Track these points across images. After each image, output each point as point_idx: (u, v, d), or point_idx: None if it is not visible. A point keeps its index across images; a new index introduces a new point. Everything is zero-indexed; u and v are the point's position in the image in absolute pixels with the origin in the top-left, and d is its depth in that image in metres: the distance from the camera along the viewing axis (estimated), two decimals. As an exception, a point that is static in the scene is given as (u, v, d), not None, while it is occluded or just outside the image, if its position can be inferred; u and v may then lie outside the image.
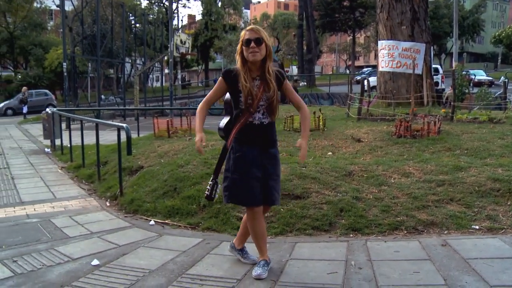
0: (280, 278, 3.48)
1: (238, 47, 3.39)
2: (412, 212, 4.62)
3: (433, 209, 4.68)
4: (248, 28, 3.39)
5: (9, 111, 31.78)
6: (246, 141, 3.41)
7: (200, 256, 4.04)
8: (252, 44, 3.29)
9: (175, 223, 5.09)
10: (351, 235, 4.37)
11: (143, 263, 3.91)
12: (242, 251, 3.85)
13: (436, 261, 3.62)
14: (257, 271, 3.52)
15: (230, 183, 3.43)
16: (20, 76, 41.69)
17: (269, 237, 4.47)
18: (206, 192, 3.59)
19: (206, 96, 3.53)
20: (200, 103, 3.56)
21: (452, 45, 27.86)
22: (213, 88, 3.50)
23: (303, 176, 5.55)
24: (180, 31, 48.19)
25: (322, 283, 3.35)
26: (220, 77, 3.46)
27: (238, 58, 3.40)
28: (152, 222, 5.19)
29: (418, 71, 12.77)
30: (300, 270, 3.61)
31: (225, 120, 3.53)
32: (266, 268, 3.55)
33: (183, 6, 60.74)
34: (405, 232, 4.35)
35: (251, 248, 4.05)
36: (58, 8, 31.30)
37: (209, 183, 3.58)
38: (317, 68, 66.70)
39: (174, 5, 50.29)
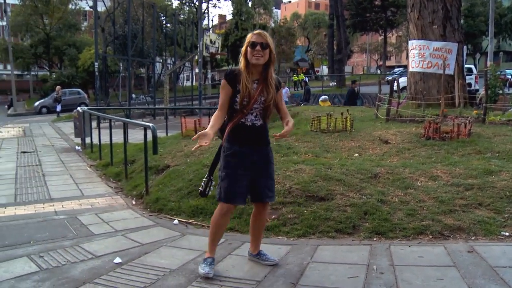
0: (300, 281, 3.44)
1: (243, 48, 3.44)
2: (438, 217, 4.51)
3: (461, 214, 4.55)
4: (255, 32, 3.45)
5: (44, 110, 32.71)
6: (236, 141, 3.48)
7: (222, 256, 4.03)
8: (258, 47, 3.38)
9: (199, 223, 5.11)
10: (375, 239, 4.30)
11: (164, 262, 3.94)
12: (259, 255, 3.85)
13: (461, 268, 3.52)
14: (204, 269, 3.56)
15: (222, 181, 3.52)
16: (54, 76, 42.85)
17: (291, 239, 4.46)
18: (200, 189, 3.74)
19: (219, 104, 3.54)
20: (216, 112, 3.55)
21: (488, 44, 27.12)
22: (220, 93, 3.54)
23: (328, 177, 5.49)
24: (210, 31, 48.53)
25: (342, 287, 3.30)
26: (223, 80, 3.52)
27: (242, 59, 3.46)
28: (176, 222, 5.23)
29: (450, 71, 12.46)
30: (320, 274, 3.56)
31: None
32: (213, 266, 3.62)
33: (214, 6, 61.14)
34: (431, 237, 4.24)
35: (271, 250, 4.04)
36: (92, 9, 31.98)
37: (204, 179, 3.72)
38: (348, 68, 66.08)
39: (205, 5, 50.73)
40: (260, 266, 3.76)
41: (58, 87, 28.40)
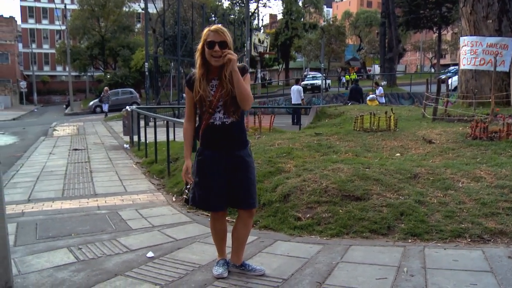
0: (326, 280, 3.39)
1: (199, 46, 3.19)
2: (478, 219, 4.31)
3: (504, 217, 4.33)
4: (212, 28, 3.15)
5: (98, 109, 33.98)
6: (209, 144, 3.31)
7: (252, 254, 4.04)
8: (216, 47, 3.11)
9: (234, 220, 5.13)
10: (410, 240, 4.17)
11: (195, 257, 3.99)
12: (243, 265, 3.60)
13: (499, 274, 3.34)
14: (218, 270, 3.51)
15: (193, 186, 3.38)
16: (109, 76, 44.39)
17: (324, 238, 4.41)
18: (185, 196, 3.57)
19: (186, 114, 3.41)
20: (184, 123, 3.42)
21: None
22: (186, 102, 3.41)
23: (366, 177, 5.38)
24: (262, 31, 48.70)
25: (369, 288, 3.23)
26: (186, 87, 3.36)
27: (198, 58, 3.21)
28: (211, 218, 5.27)
29: (505, 68, 11.86)
30: (348, 274, 3.49)
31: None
32: (227, 267, 3.55)
33: (264, 6, 61.27)
34: (469, 240, 4.06)
35: (302, 249, 4.00)
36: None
37: (187, 186, 3.52)
38: (401, 67, 64.50)
39: (255, 5, 51.03)
40: (289, 265, 3.73)
41: (105, 88, 29.03)
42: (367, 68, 63.72)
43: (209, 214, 5.33)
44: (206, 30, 3.20)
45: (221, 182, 3.30)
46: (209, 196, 3.32)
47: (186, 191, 3.54)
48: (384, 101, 19.69)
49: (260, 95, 38.98)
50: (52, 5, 59.92)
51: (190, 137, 3.42)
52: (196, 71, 3.26)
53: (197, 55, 3.22)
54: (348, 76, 43.56)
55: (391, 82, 36.60)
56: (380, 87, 20.27)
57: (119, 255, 4.12)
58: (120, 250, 4.27)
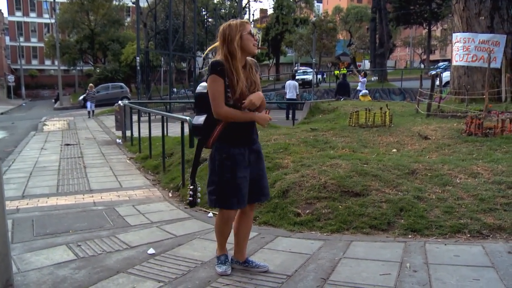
0: (331, 276, 3.40)
1: (238, 38, 3.11)
2: (477, 215, 4.35)
3: (502, 213, 4.37)
4: (245, 21, 3.22)
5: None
6: (234, 141, 3.23)
7: (253, 250, 4.03)
8: (256, 37, 3.19)
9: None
10: (410, 236, 4.19)
11: (196, 254, 3.98)
12: (247, 262, 3.58)
13: (500, 269, 3.38)
14: (221, 267, 3.50)
15: (218, 186, 3.25)
16: (98, 70, 43.99)
17: (325, 234, 4.42)
18: (189, 198, 3.52)
19: (218, 101, 3.13)
20: (222, 109, 3.13)
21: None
22: (216, 90, 3.12)
23: (364, 173, 5.40)
24: (253, 25, 48.49)
25: (373, 284, 3.23)
26: (214, 74, 3.12)
27: (237, 49, 3.12)
28: (210, 214, 5.27)
29: (497, 64, 11.97)
30: (352, 270, 3.51)
31: (202, 118, 3.27)
32: (229, 264, 3.54)
33: (255, 1, 61.07)
34: (468, 235, 4.09)
35: (304, 244, 4.01)
36: (134, 5, 32.63)
37: (190, 187, 3.48)
38: (390, 63, 64.69)
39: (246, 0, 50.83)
40: (292, 261, 3.74)
41: (90, 84, 26.57)
42: (357, 63, 63.83)
43: (207, 210, 5.39)
44: (237, 23, 3.18)
45: (247, 178, 3.27)
46: (236, 195, 3.23)
47: (190, 192, 3.50)
48: (366, 92, 19.15)
49: (251, 90, 38.89)
50: (40, -2, 59.36)
51: (237, 111, 3.18)
52: (227, 60, 3.15)
53: (235, 46, 3.12)
54: (337, 71, 43.64)
55: (382, 78, 36.70)
56: (364, 78, 20.20)
57: (120, 252, 4.09)
58: (120, 247, 4.24)
